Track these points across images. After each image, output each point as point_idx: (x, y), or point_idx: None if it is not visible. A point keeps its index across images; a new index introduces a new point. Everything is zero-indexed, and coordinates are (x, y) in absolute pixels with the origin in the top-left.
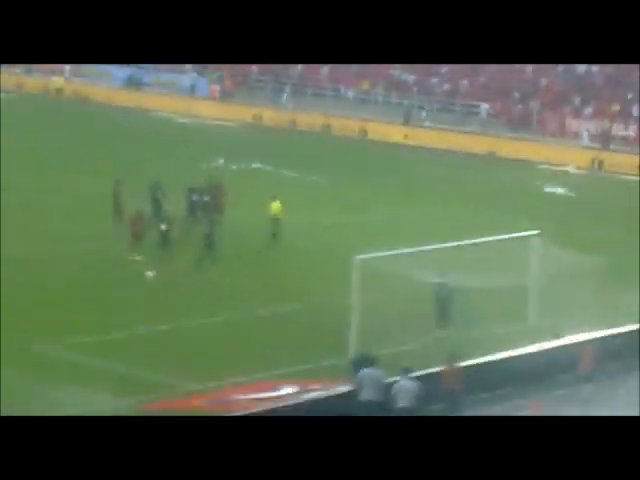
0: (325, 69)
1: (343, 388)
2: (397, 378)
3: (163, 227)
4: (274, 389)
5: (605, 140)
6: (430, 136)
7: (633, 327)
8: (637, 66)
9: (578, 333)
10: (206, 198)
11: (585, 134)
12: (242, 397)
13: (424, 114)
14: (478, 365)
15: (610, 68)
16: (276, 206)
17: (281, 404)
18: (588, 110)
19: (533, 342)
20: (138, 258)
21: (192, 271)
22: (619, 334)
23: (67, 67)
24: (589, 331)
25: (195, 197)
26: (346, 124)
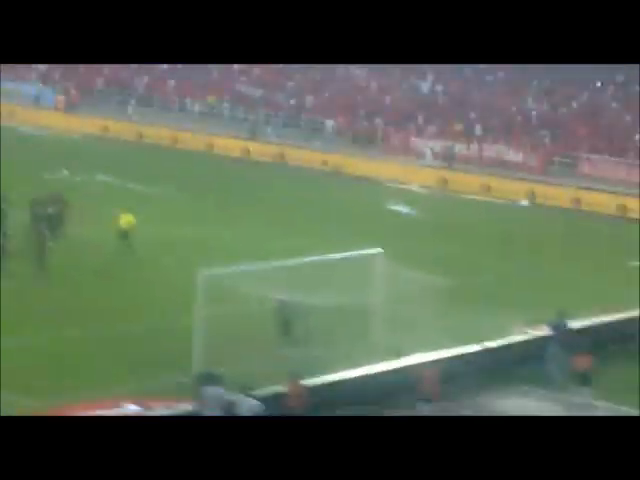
0: (172, 82)
1: (185, 406)
2: (238, 396)
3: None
4: (116, 406)
5: (448, 159)
6: (275, 151)
7: (475, 348)
8: (478, 85)
9: (420, 353)
10: (50, 210)
11: (428, 152)
12: (83, 415)
13: (269, 129)
14: (321, 385)
15: (454, 87)
16: (126, 218)
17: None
18: (432, 129)
19: (375, 362)
20: None
21: (33, 286)
22: (462, 355)
23: None
24: (431, 351)
25: (38, 209)
26: (192, 138)
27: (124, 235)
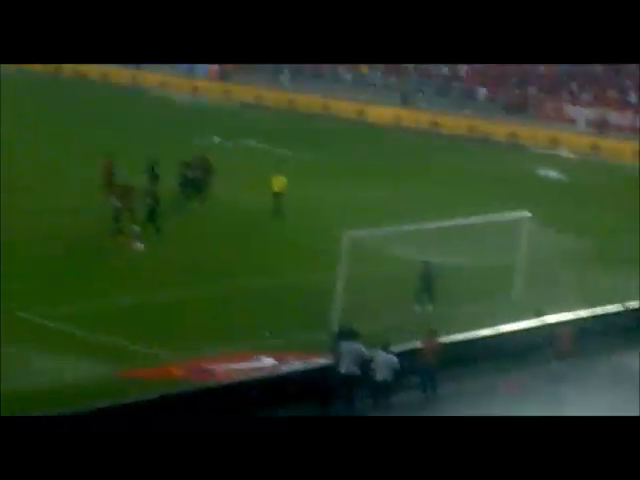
0: None
1: (322, 361)
2: (376, 352)
3: (149, 201)
4: (253, 360)
5: (601, 127)
6: (426, 119)
7: (613, 309)
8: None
9: (560, 313)
10: (196, 173)
11: (581, 119)
12: (220, 367)
13: (421, 96)
14: (456, 342)
15: None
16: (280, 181)
17: (260, 375)
18: (585, 96)
19: (515, 320)
20: (136, 229)
21: (180, 245)
22: (600, 315)
23: None
24: (571, 311)
25: (186, 172)
26: (344, 106)
27: (277, 197)
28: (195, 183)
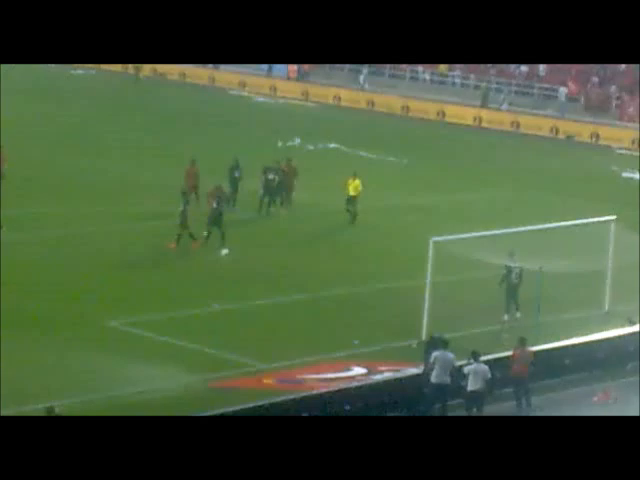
0: None
1: (412, 370)
2: (467, 361)
3: (215, 205)
4: (343, 369)
5: None
6: (507, 119)
7: None
8: None
9: None
10: (278, 177)
11: None
12: (311, 376)
13: (502, 97)
14: (547, 350)
15: None
16: (355, 184)
17: (350, 385)
18: None
19: (605, 329)
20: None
21: (263, 250)
22: None
23: None
24: None
25: (270, 176)
26: (424, 106)
27: (351, 201)
28: (279, 187)
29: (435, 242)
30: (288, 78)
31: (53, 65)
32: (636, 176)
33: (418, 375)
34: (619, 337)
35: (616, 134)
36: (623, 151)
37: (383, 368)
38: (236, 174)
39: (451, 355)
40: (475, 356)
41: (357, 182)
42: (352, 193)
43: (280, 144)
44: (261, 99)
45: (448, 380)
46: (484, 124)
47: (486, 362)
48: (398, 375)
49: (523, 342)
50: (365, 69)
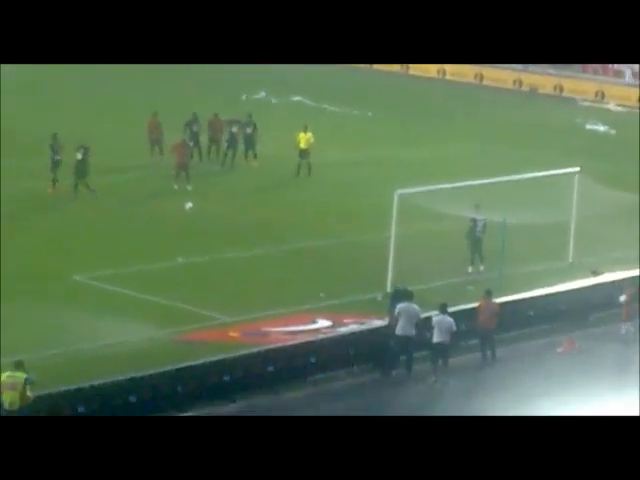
0: None
1: (378, 322)
2: (433, 313)
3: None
4: (309, 322)
5: None
6: (471, 71)
7: None
8: None
9: (616, 272)
10: (247, 130)
11: (628, 72)
12: (276, 329)
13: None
14: (511, 302)
15: None
16: (306, 137)
17: (316, 337)
18: None
19: (571, 280)
20: (189, 188)
21: (227, 204)
22: None
23: None
24: (627, 270)
25: (234, 129)
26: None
27: (303, 154)
28: (245, 140)
29: (400, 195)
30: None
31: None
32: (600, 128)
33: (383, 327)
34: (583, 288)
35: (580, 86)
36: (587, 103)
37: (348, 320)
38: (194, 128)
39: (416, 307)
40: (441, 308)
41: (309, 135)
42: (303, 146)
43: (244, 97)
44: None
45: (413, 332)
46: (448, 76)
47: (452, 314)
48: (363, 327)
49: (489, 294)
50: None
